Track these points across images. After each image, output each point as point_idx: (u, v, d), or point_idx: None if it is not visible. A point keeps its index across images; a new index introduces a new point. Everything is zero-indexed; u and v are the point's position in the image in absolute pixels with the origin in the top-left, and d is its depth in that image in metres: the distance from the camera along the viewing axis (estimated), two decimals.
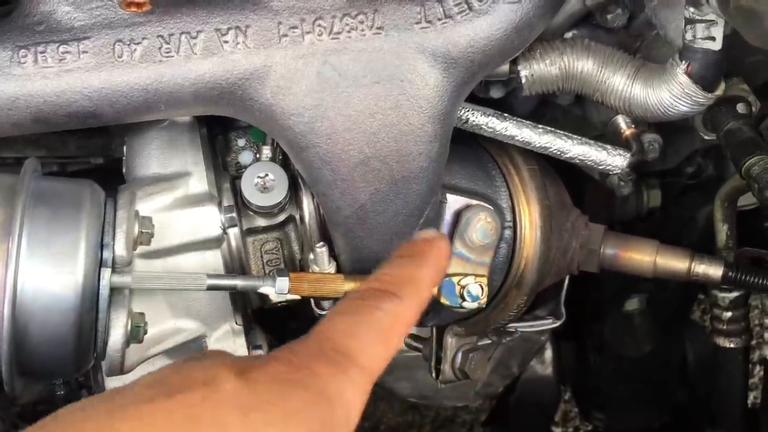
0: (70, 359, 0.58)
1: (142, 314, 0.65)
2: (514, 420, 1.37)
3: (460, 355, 0.88)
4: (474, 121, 0.77)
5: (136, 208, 0.64)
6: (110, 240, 0.59)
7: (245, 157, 0.79)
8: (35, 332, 0.56)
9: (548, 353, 1.30)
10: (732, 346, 0.94)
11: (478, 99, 0.81)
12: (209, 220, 0.71)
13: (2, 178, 0.60)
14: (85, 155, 1.00)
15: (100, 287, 0.58)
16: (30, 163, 0.60)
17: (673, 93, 0.70)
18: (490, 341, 0.96)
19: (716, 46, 0.66)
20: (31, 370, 0.58)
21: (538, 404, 1.33)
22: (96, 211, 0.59)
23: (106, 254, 0.59)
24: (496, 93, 0.81)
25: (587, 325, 1.23)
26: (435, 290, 0.57)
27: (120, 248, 0.59)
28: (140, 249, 0.66)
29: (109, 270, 0.59)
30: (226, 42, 0.65)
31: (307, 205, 0.76)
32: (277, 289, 0.68)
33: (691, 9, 0.64)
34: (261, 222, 0.77)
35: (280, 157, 0.77)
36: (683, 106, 0.70)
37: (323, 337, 0.52)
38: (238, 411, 0.46)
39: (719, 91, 0.71)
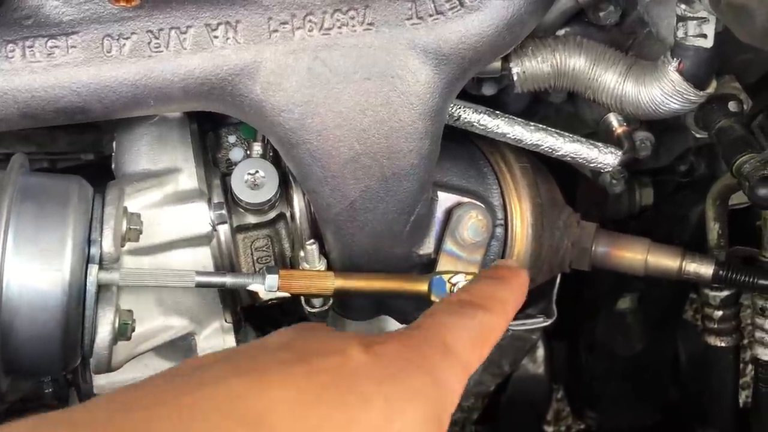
0: (56, 356, 0.58)
1: (130, 311, 0.64)
2: (506, 419, 1.37)
3: None
4: (465, 118, 0.77)
5: (125, 205, 0.63)
6: (98, 236, 0.59)
7: (236, 154, 0.78)
8: (21, 329, 0.55)
9: (540, 352, 1.30)
10: (723, 345, 0.94)
11: (470, 96, 0.80)
12: (199, 217, 0.71)
13: None
14: (76, 151, 0.99)
15: (87, 284, 0.57)
16: (17, 158, 0.59)
17: (665, 90, 0.69)
18: None
19: (708, 43, 0.66)
20: (18, 367, 0.57)
21: (530, 403, 1.33)
22: (83, 206, 0.59)
23: (94, 250, 0.58)
24: (488, 90, 0.81)
25: (579, 323, 1.23)
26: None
27: (108, 245, 0.58)
28: (129, 246, 0.65)
29: (97, 266, 0.58)
30: (216, 37, 0.64)
31: (298, 202, 0.75)
32: (267, 287, 0.67)
33: (683, 6, 0.64)
34: (251, 219, 0.76)
35: (271, 154, 0.76)
36: (675, 103, 0.70)
37: (430, 329, 0.54)
38: (372, 381, 0.48)
39: (711, 89, 0.71)
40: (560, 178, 0.88)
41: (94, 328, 0.59)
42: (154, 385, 0.46)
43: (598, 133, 0.84)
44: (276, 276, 0.68)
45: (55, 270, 0.55)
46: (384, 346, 0.51)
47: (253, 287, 0.67)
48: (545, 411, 1.42)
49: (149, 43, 0.64)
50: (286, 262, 0.78)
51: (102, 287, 0.60)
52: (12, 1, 0.64)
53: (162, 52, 0.64)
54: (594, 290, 1.17)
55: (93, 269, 0.58)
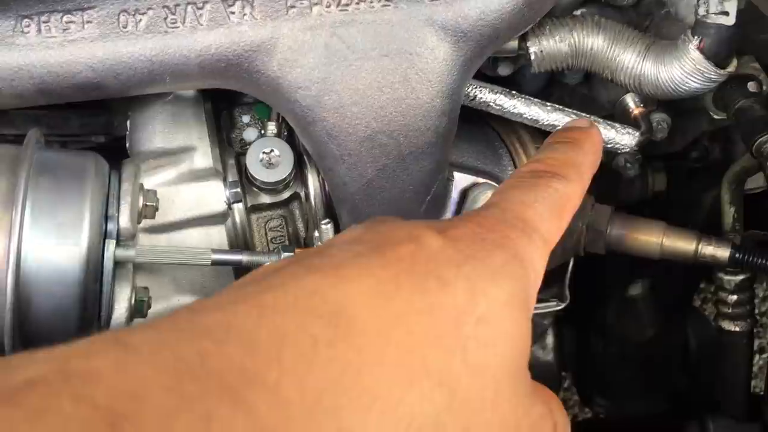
0: (72, 332, 0.57)
1: (146, 289, 0.64)
2: None
3: None
4: (482, 98, 0.76)
5: (141, 182, 0.63)
6: (115, 212, 0.58)
7: (250, 134, 0.78)
8: (39, 304, 0.55)
9: (550, 339, 1.30)
10: (737, 329, 0.94)
11: (486, 77, 0.80)
12: (214, 195, 0.70)
13: (5, 149, 0.59)
14: (87, 133, 0.99)
15: (105, 259, 0.57)
16: (33, 133, 0.59)
17: (685, 69, 0.69)
18: None
19: (730, 21, 0.65)
20: (34, 342, 0.57)
21: None
22: (100, 182, 0.59)
23: (111, 226, 0.58)
24: (504, 70, 0.80)
25: (590, 309, 1.23)
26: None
27: (125, 220, 0.58)
28: (144, 223, 0.65)
29: (114, 242, 0.58)
30: (232, 13, 0.64)
31: (313, 182, 0.75)
32: None
33: None
34: (265, 199, 0.76)
35: (286, 134, 0.76)
36: (695, 82, 0.69)
37: (503, 207, 0.51)
38: (450, 264, 0.46)
39: (731, 68, 0.70)
40: None
41: (111, 305, 0.59)
42: (234, 290, 0.44)
43: (615, 115, 0.83)
44: (292, 255, 0.67)
45: (72, 244, 0.55)
46: (459, 229, 0.49)
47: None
48: None
49: (165, 18, 0.64)
50: (299, 243, 0.77)
51: (118, 264, 0.60)
52: None
53: (178, 27, 0.64)
54: (605, 276, 1.16)
55: (110, 245, 0.57)
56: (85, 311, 0.57)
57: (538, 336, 1.17)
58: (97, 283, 0.57)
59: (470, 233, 0.48)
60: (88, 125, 0.97)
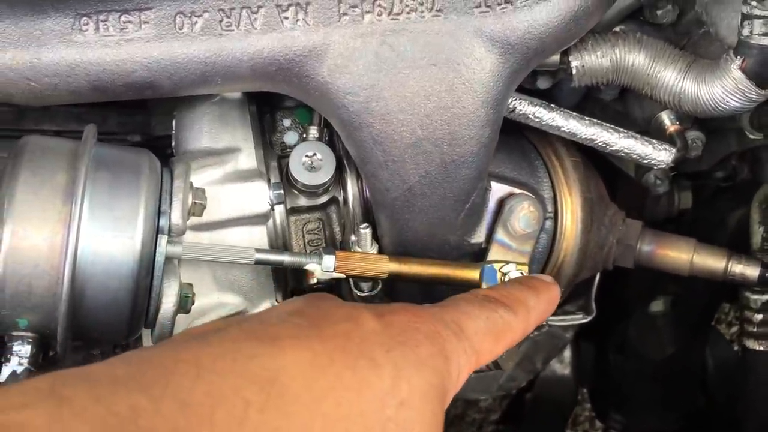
0: (123, 325, 0.59)
1: (190, 285, 0.65)
2: (530, 419, 1.37)
3: None
4: (521, 110, 0.77)
5: (190, 180, 0.64)
6: (167, 208, 0.59)
7: (290, 137, 0.79)
8: (93, 295, 0.56)
9: (567, 353, 1.30)
10: (762, 348, 0.94)
11: (524, 89, 0.81)
12: (258, 196, 0.71)
13: (63, 143, 0.60)
14: (124, 132, 1.01)
15: (156, 254, 0.58)
16: (90, 129, 0.60)
17: (726, 88, 0.70)
18: None
19: None
20: (85, 334, 0.58)
21: (555, 404, 1.33)
22: (154, 178, 0.60)
23: (163, 222, 0.59)
24: (543, 84, 0.81)
25: (610, 324, 1.23)
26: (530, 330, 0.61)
27: (176, 217, 0.59)
28: (189, 221, 0.66)
29: (165, 237, 0.59)
30: (286, 18, 0.65)
31: (351, 186, 0.76)
32: (324, 267, 0.68)
33: (753, 3, 0.64)
34: (304, 202, 0.77)
35: (326, 138, 0.77)
36: (735, 101, 0.70)
37: (445, 308, 0.55)
38: (381, 347, 0.49)
39: None
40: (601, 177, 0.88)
41: (159, 299, 0.60)
42: (173, 345, 0.46)
43: (650, 132, 0.84)
44: (333, 257, 0.68)
45: (128, 237, 0.56)
46: (395, 315, 0.52)
47: (309, 267, 0.68)
48: (570, 413, 1.42)
49: (220, 21, 0.65)
50: (336, 245, 0.78)
51: (166, 259, 0.61)
52: None
53: (233, 31, 0.65)
54: (627, 291, 1.17)
55: (162, 240, 0.58)
56: (135, 304, 0.58)
57: (558, 349, 1.18)
58: (149, 278, 0.58)
59: (405, 321, 0.52)
60: (126, 124, 0.99)
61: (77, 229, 0.54)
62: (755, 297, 0.92)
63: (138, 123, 0.99)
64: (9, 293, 0.54)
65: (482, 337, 0.54)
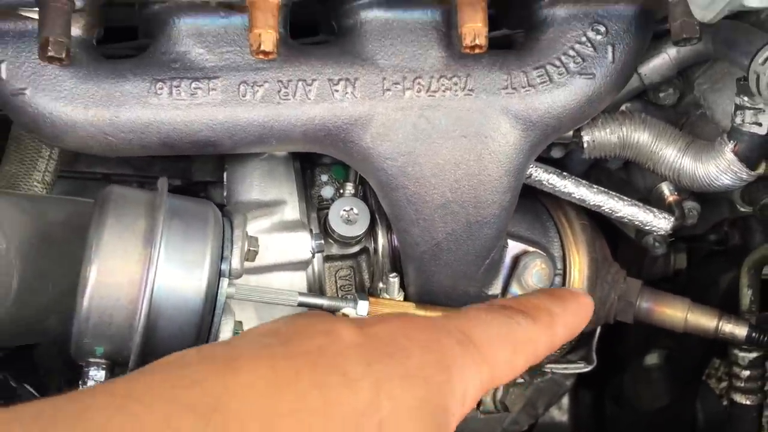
0: None
1: (240, 322, 0.73)
2: None
3: (501, 388, 0.96)
4: (537, 176, 0.86)
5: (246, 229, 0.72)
6: (228, 254, 0.67)
7: (327, 192, 0.88)
8: (163, 326, 0.63)
9: (566, 400, 1.37)
10: (748, 402, 1.01)
11: (539, 157, 0.90)
12: (302, 245, 0.80)
13: (140, 193, 0.68)
14: (168, 177, 1.09)
15: (219, 294, 0.66)
16: (163, 182, 0.69)
17: (720, 168, 0.79)
18: (523, 380, 1.04)
19: (762, 131, 0.75)
20: (150, 360, 0.65)
21: None
22: (218, 228, 0.68)
23: (224, 266, 0.67)
24: (556, 153, 0.90)
25: (607, 376, 1.30)
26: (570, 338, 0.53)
27: (236, 262, 0.67)
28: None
29: (227, 280, 0.67)
30: (336, 91, 0.74)
31: (381, 238, 0.84)
32: (358, 311, 0.76)
33: (744, 98, 0.73)
34: (337, 250, 0.85)
35: (361, 194, 0.86)
36: (728, 180, 0.79)
37: (454, 320, 0.49)
38: (360, 360, 0.43)
39: (761, 170, 0.80)
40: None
41: (216, 335, 0.68)
42: (114, 380, 0.43)
43: (650, 200, 0.93)
44: (366, 302, 0.76)
45: (197, 279, 0.64)
46: (383, 325, 0.46)
47: (345, 310, 0.76)
48: None
49: (279, 91, 0.73)
50: (365, 291, 0.86)
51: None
52: (161, 44, 0.73)
53: (289, 100, 0.73)
54: (625, 344, 1.24)
55: (224, 282, 0.66)
56: (198, 337, 0.65)
57: (559, 396, 1.24)
58: (210, 315, 0.66)
59: (395, 331, 0.46)
60: (169, 169, 1.08)
61: (155, 270, 0.62)
62: (743, 354, 1.00)
63: (179, 168, 1.08)
64: (92, 323, 0.62)
65: (496, 346, 0.47)
